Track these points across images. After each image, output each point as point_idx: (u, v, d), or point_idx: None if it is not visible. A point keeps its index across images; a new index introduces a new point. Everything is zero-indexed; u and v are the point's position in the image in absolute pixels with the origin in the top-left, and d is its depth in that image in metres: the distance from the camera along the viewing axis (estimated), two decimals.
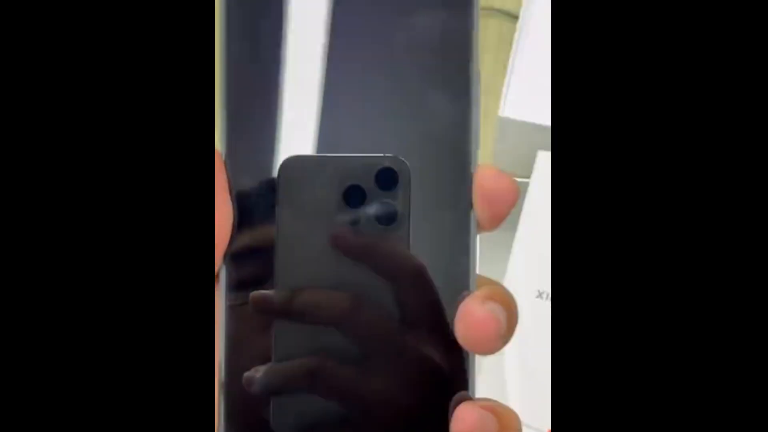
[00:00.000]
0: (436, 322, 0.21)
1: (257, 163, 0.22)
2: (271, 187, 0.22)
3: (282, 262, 0.23)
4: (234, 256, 0.22)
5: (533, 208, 0.40)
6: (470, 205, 0.21)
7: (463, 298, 0.20)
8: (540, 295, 0.38)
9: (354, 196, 0.22)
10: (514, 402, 0.37)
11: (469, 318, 0.20)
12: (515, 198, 0.21)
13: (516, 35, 0.45)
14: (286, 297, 0.21)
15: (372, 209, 0.22)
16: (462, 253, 0.21)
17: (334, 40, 0.21)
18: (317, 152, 0.23)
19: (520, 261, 0.39)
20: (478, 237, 0.21)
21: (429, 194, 0.21)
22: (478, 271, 0.21)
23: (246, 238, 0.22)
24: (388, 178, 0.22)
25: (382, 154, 0.22)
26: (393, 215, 0.21)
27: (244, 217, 0.22)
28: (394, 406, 0.21)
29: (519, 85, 0.44)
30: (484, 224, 0.21)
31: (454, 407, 0.20)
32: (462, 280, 0.21)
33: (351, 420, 0.21)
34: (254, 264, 0.22)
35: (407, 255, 0.21)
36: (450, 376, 0.21)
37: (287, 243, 0.23)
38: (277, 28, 0.22)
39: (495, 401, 0.21)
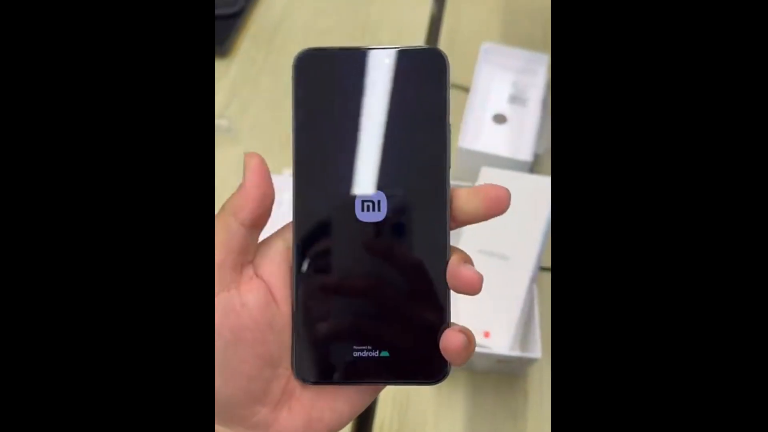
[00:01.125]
0: (429, 279, 0.27)
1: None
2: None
3: (301, 156, 0.29)
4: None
5: None
6: (446, 202, 0.28)
7: (447, 261, 0.27)
8: (481, 251, 0.60)
9: (372, 88, 0.28)
10: (467, 312, 0.58)
11: (462, 276, 0.27)
12: (505, 206, 0.27)
13: (467, 100, 0.70)
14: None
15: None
16: (442, 232, 0.28)
17: (357, 108, 0.28)
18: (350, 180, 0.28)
19: (470, 230, 0.61)
20: (450, 225, 0.28)
21: (420, 195, 0.28)
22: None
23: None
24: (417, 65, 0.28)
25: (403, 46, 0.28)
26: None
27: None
28: (404, 338, 0.28)
29: (468, 129, 0.68)
30: (474, 219, 0.27)
31: (442, 333, 0.27)
32: (443, 248, 0.28)
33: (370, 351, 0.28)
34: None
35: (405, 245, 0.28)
36: (438, 310, 0.28)
37: (305, 137, 0.29)
38: (328, 101, 0.28)
39: (464, 326, 0.27)
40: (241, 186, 0.28)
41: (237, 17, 0.86)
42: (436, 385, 0.28)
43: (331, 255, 0.28)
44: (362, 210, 0.28)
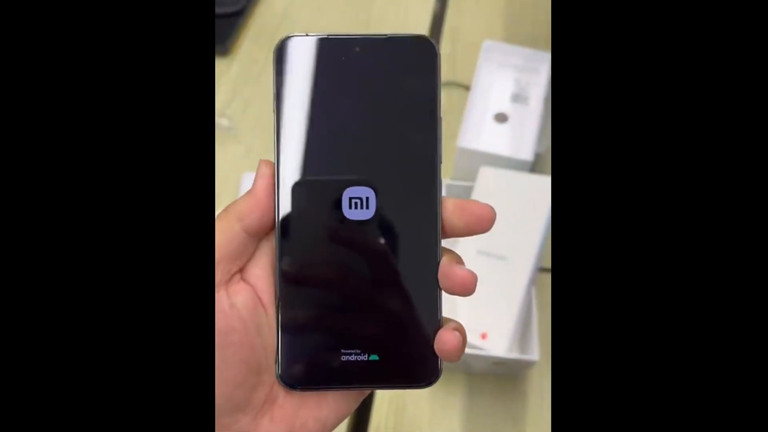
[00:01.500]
0: (420, 279, 0.27)
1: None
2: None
3: (285, 145, 0.27)
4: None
5: (477, 198, 0.62)
6: (437, 200, 0.27)
7: (439, 261, 0.27)
8: (479, 252, 0.60)
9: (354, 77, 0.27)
10: (465, 313, 0.57)
11: (455, 277, 0.26)
12: (489, 225, 0.26)
13: (468, 98, 0.70)
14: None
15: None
16: (432, 231, 0.27)
17: (343, 97, 0.27)
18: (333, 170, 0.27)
19: None
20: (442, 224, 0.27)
21: (410, 192, 0.27)
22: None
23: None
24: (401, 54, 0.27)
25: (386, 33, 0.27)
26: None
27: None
28: (393, 340, 0.27)
29: (468, 128, 0.68)
30: (455, 233, 0.27)
31: (434, 334, 0.27)
32: (434, 248, 0.27)
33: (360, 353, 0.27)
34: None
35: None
36: (429, 312, 0.27)
37: (287, 130, 0.27)
38: (311, 91, 0.27)
39: (456, 322, 0.27)
40: (250, 191, 0.27)
41: (238, 16, 0.86)
42: (433, 387, 0.27)
43: (316, 255, 0.27)
44: (350, 207, 0.27)
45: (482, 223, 0.26)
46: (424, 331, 0.27)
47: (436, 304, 0.27)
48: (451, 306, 0.58)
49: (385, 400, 0.56)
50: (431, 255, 0.27)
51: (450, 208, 0.27)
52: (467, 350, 0.54)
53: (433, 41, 0.27)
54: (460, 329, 0.26)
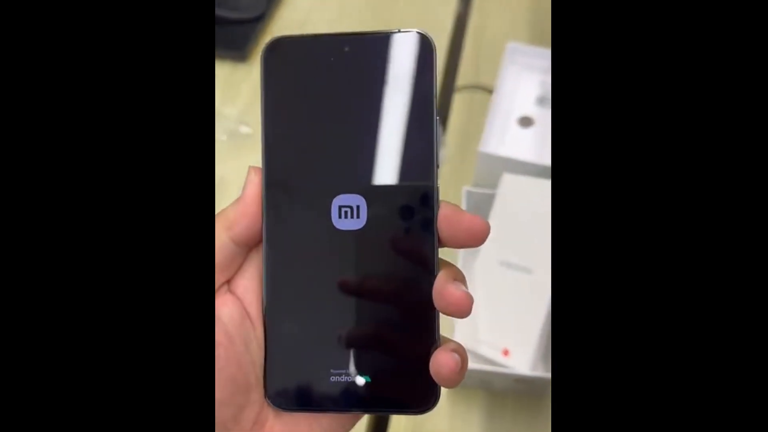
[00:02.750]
0: (415, 295, 0.25)
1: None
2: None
3: (271, 151, 0.25)
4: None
5: (499, 209, 0.59)
6: (434, 209, 0.25)
7: (434, 278, 0.24)
8: (502, 263, 0.57)
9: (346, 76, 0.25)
10: (486, 328, 0.55)
11: (449, 296, 0.24)
12: (483, 238, 0.24)
13: (491, 102, 0.67)
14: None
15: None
16: (429, 243, 0.25)
17: (339, 99, 0.25)
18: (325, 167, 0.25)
19: (490, 241, 0.58)
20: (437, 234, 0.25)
21: (405, 200, 0.25)
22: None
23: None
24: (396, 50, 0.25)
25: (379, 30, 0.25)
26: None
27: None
28: (387, 361, 0.25)
29: (491, 132, 0.65)
30: (445, 243, 0.25)
31: (431, 355, 0.24)
32: (431, 261, 0.25)
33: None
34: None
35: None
36: (425, 331, 0.25)
37: (274, 134, 0.25)
38: (299, 94, 0.26)
39: (456, 343, 0.25)
40: (239, 199, 0.25)
41: (259, 21, 0.85)
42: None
43: (304, 268, 0.25)
44: (339, 217, 0.25)
45: (472, 238, 0.24)
46: (420, 352, 0.25)
47: (433, 322, 0.25)
48: (471, 320, 0.55)
49: (402, 418, 0.54)
50: (427, 269, 0.25)
51: (441, 218, 0.25)
52: (488, 367, 0.52)
53: (428, 35, 0.25)
54: (459, 350, 0.24)
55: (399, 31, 0.25)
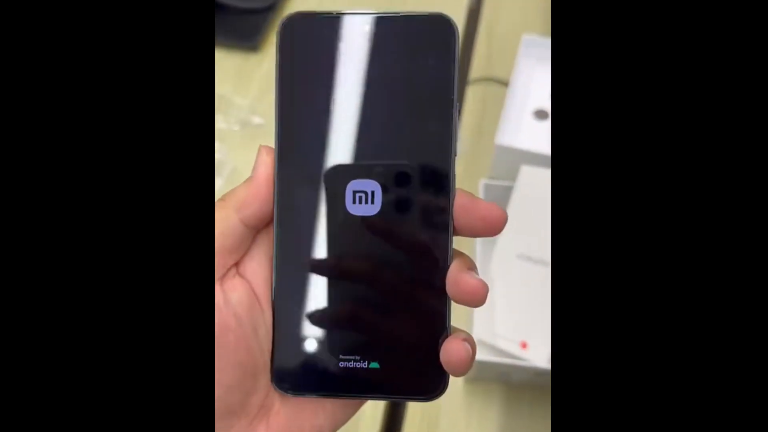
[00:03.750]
0: (427, 282, 0.25)
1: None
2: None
3: (286, 128, 0.25)
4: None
5: (516, 201, 0.59)
6: (450, 196, 0.24)
7: (448, 266, 0.24)
8: (519, 256, 0.57)
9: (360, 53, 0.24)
10: (503, 321, 0.55)
11: (464, 284, 0.24)
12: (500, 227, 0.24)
13: (507, 95, 0.67)
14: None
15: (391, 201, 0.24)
16: (443, 231, 0.24)
17: (354, 81, 0.25)
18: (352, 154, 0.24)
19: (507, 234, 0.58)
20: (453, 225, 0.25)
21: (421, 186, 0.24)
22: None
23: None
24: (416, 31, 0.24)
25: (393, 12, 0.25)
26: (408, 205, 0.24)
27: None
28: (396, 348, 0.25)
29: (507, 125, 0.65)
30: (461, 233, 0.25)
31: (441, 343, 0.24)
32: (445, 249, 0.25)
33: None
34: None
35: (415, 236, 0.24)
36: (436, 318, 0.25)
37: (289, 114, 0.25)
38: (315, 74, 0.25)
39: (466, 333, 0.25)
40: (249, 179, 0.25)
41: (270, 11, 0.84)
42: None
43: (316, 252, 0.25)
44: (353, 202, 0.25)
45: (490, 226, 0.24)
46: (430, 340, 0.24)
47: (444, 311, 0.25)
48: (488, 313, 0.55)
49: (417, 411, 0.53)
50: (441, 257, 0.24)
51: (456, 207, 0.24)
52: (506, 360, 0.51)
53: (451, 19, 0.25)
54: (470, 340, 0.24)
55: (421, 13, 0.25)
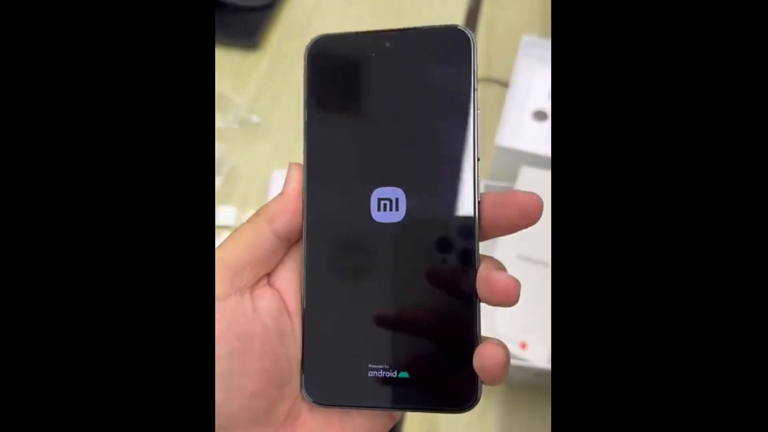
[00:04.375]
0: (456, 288, 0.24)
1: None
2: None
3: (313, 156, 0.26)
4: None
5: None
6: (474, 201, 0.24)
7: (476, 269, 0.24)
8: (519, 257, 0.57)
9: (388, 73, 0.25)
10: (503, 322, 0.55)
11: (496, 283, 0.23)
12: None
13: (507, 95, 0.67)
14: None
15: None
16: (470, 235, 0.25)
17: (378, 99, 0.26)
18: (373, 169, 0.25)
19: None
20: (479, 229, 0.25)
21: (445, 192, 0.25)
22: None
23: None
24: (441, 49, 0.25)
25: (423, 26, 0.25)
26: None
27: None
28: (427, 357, 0.24)
29: (507, 126, 0.65)
30: (499, 231, 0.24)
31: (472, 351, 0.24)
32: (471, 254, 0.25)
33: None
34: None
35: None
36: (466, 325, 0.24)
37: (317, 132, 0.26)
38: (341, 92, 0.26)
39: (497, 339, 0.24)
40: (281, 194, 0.26)
41: (268, 9, 0.84)
42: None
43: (344, 260, 0.25)
44: (378, 209, 0.25)
45: (528, 215, 0.24)
46: (461, 348, 0.24)
47: (473, 317, 0.24)
48: (488, 313, 0.55)
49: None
50: (468, 261, 0.24)
51: (489, 204, 0.24)
52: None
53: (467, 31, 0.25)
54: (503, 346, 0.24)
55: (437, 26, 0.26)
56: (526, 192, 0.24)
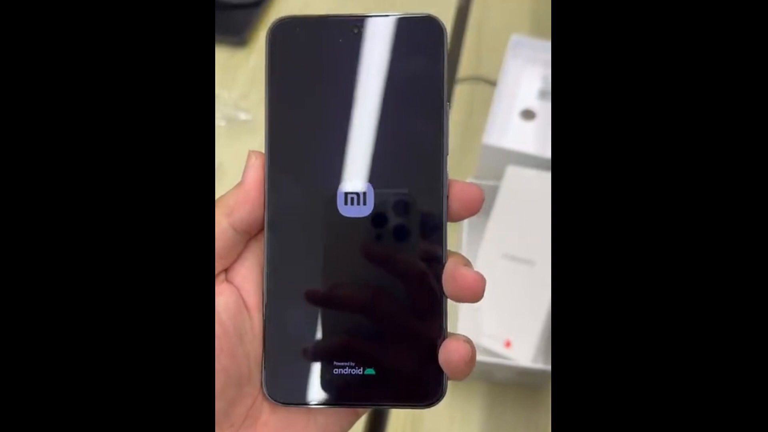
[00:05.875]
0: (423, 284, 0.24)
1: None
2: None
3: (275, 137, 0.25)
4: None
5: (502, 201, 0.59)
6: (443, 196, 0.24)
7: (442, 267, 0.24)
8: (504, 256, 0.57)
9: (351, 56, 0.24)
10: (488, 320, 0.55)
11: (462, 279, 0.23)
12: (481, 201, 0.24)
13: (494, 95, 0.67)
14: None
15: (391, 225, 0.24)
16: (437, 231, 0.24)
17: (346, 86, 0.25)
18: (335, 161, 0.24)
19: (492, 234, 0.58)
20: (447, 223, 0.25)
21: (413, 187, 0.24)
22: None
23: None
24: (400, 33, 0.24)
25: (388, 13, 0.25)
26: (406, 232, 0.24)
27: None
28: (393, 353, 0.24)
29: (494, 125, 0.65)
30: (458, 216, 0.25)
31: (438, 346, 0.24)
32: (439, 250, 0.24)
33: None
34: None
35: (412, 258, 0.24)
36: (433, 321, 0.24)
37: (279, 117, 0.25)
38: (305, 77, 0.25)
39: (465, 336, 0.24)
40: (239, 184, 0.25)
41: (257, 6, 0.83)
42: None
43: (308, 255, 0.24)
44: (345, 203, 0.24)
45: (472, 206, 0.24)
46: (427, 343, 0.24)
47: (440, 313, 0.24)
48: (473, 311, 0.55)
49: (401, 410, 0.53)
50: (435, 257, 0.24)
51: (449, 198, 0.24)
52: (489, 359, 0.51)
53: (439, 20, 0.25)
54: (469, 341, 0.24)
55: (409, 14, 0.25)
56: (470, 185, 0.24)
